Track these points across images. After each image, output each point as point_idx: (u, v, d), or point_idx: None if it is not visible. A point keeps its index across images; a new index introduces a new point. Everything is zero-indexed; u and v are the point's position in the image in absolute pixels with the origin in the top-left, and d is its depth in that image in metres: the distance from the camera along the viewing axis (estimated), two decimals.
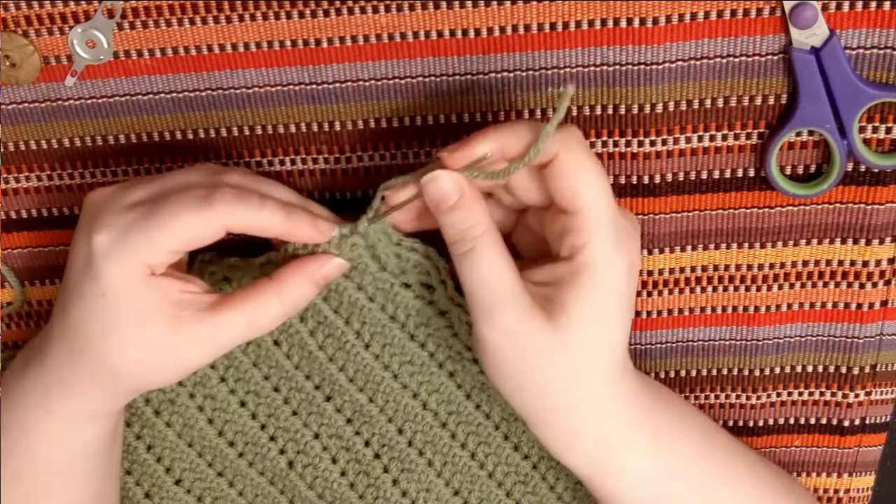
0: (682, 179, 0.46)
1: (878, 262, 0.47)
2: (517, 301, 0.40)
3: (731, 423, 0.53)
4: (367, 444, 0.50)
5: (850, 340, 0.50)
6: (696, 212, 0.47)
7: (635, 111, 0.44)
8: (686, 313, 0.50)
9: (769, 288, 0.49)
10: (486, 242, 0.40)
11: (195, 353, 0.42)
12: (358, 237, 0.44)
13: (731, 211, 0.47)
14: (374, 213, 0.43)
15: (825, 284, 0.48)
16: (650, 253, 0.48)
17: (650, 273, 0.49)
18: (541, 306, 0.40)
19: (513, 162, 0.39)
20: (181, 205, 0.39)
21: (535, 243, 0.43)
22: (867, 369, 0.50)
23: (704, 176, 0.46)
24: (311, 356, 0.49)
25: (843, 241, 0.47)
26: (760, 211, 0.47)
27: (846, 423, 0.52)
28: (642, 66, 0.43)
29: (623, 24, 0.42)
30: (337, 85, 0.45)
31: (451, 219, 0.40)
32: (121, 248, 0.39)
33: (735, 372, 0.51)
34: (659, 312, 0.50)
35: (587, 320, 0.39)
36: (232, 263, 0.47)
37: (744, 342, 0.50)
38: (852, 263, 0.47)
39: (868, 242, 0.47)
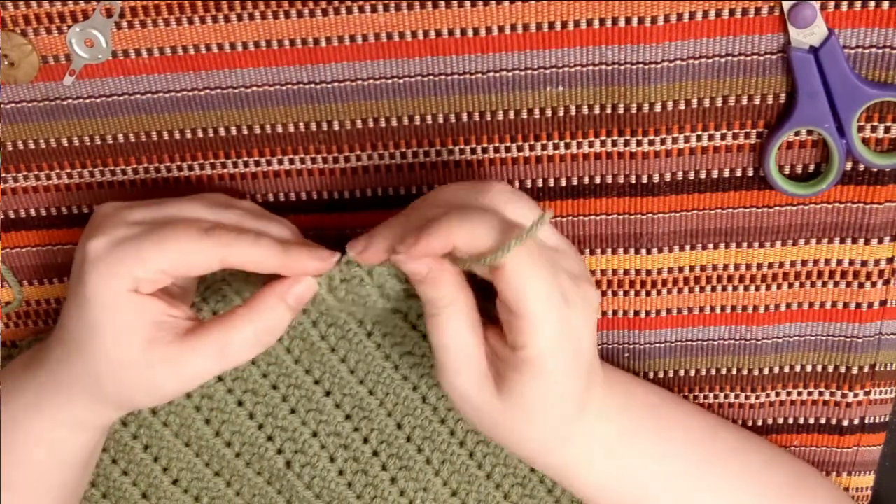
0: (680, 179, 0.46)
1: (877, 262, 0.47)
2: (472, 368, 0.41)
3: None
4: (365, 440, 0.51)
5: (849, 340, 0.49)
6: (695, 211, 0.47)
7: (634, 110, 0.44)
8: (685, 313, 0.50)
9: (768, 287, 0.49)
10: (452, 312, 0.41)
11: (167, 376, 0.41)
12: (367, 278, 0.43)
13: (730, 210, 0.47)
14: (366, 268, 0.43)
15: (824, 284, 0.48)
16: (649, 253, 0.48)
17: (649, 273, 0.49)
18: (493, 375, 0.41)
19: (471, 258, 0.39)
20: (180, 230, 0.40)
21: None
22: (866, 369, 0.50)
23: (703, 175, 0.46)
24: (313, 347, 0.49)
25: (842, 241, 0.47)
26: (759, 210, 0.47)
27: (845, 423, 0.52)
28: (641, 66, 0.43)
29: (622, 23, 0.42)
30: (335, 84, 0.45)
31: (421, 288, 0.41)
32: (112, 256, 0.40)
33: (734, 372, 0.51)
34: (658, 312, 0.50)
35: (531, 402, 0.41)
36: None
37: (743, 342, 0.50)
38: (851, 263, 0.47)
39: (867, 242, 0.47)
